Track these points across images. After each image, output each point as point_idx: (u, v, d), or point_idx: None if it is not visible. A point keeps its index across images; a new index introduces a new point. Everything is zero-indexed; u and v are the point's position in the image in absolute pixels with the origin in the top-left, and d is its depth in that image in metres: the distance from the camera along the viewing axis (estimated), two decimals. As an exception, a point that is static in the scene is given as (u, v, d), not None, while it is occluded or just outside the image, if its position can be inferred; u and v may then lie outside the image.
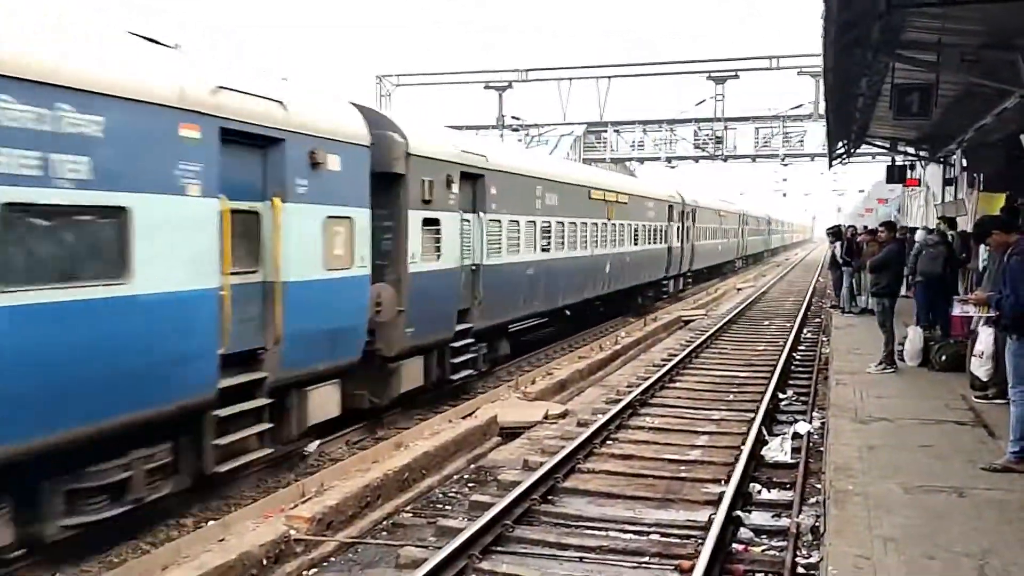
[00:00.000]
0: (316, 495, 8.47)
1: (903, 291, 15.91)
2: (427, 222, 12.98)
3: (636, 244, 26.84)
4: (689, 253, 35.53)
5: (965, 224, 18.38)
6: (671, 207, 32.21)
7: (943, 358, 12.88)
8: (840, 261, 22.10)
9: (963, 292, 13.89)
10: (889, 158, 31.21)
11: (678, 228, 33.18)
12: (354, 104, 11.78)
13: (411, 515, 8.80)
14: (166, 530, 8.51)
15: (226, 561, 6.70)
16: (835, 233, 23.82)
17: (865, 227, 24.22)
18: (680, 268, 34.13)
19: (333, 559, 7.58)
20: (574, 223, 20.45)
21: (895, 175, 30.75)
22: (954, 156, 25.18)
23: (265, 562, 7.04)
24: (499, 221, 15.86)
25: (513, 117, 41.62)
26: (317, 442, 11.23)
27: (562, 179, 20.14)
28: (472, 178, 14.76)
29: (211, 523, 8.48)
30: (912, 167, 31.78)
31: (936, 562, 5.80)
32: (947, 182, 26.68)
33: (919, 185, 33.12)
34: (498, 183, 15.69)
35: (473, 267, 14.83)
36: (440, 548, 7.01)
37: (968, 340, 11.64)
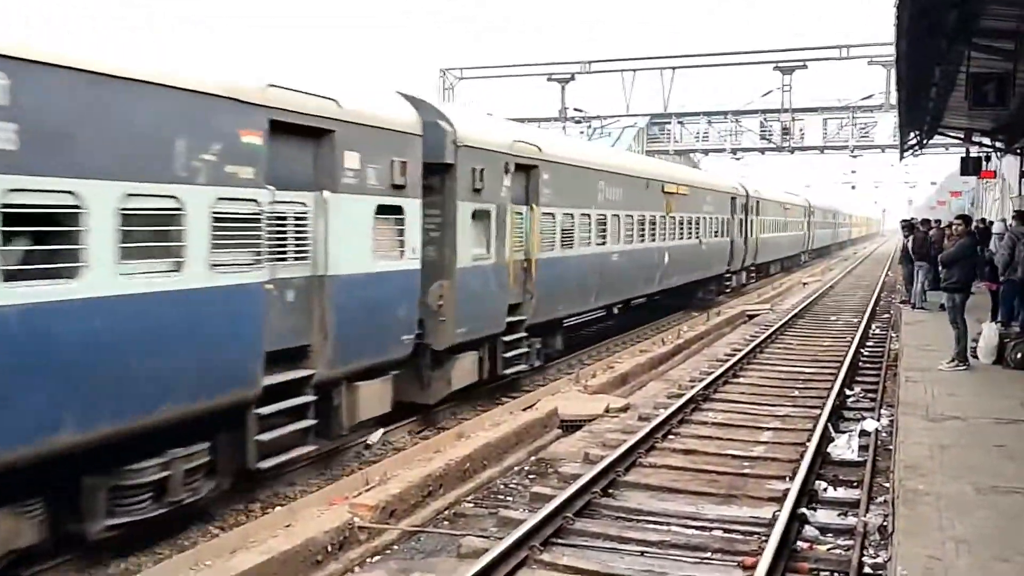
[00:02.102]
0: (379, 484, 8.58)
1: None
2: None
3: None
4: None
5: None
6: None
7: (1019, 355, 12.51)
8: (912, 255, 21.52)
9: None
10: (963, 149, 30.34)
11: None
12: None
13: (472, 505, 8.86)
14: (234, 515, 8.73)
15: (292, 546, 6.83)
16: (908, 226, 23.24)
17: (938, 221, 23.57)
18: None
19: (396, 547, 7.68)
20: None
21: (970, 167, 29.87)
22: (1032, 147, 24.36)
23: (330, 548, 7.16)
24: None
25: (576, 109, 41.48)
26: (381, 431, 11.38)
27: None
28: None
29: (278, 509, 8.67)
30: (987, 158, 30.85)
31: (1009, 565, 5.64)
32: (1024, 174, 25.86)
33: (995, 177, 32.13)
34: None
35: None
36: (501, 539, 7.06)
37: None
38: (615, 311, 22.53)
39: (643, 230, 20.73)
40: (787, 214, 44.77)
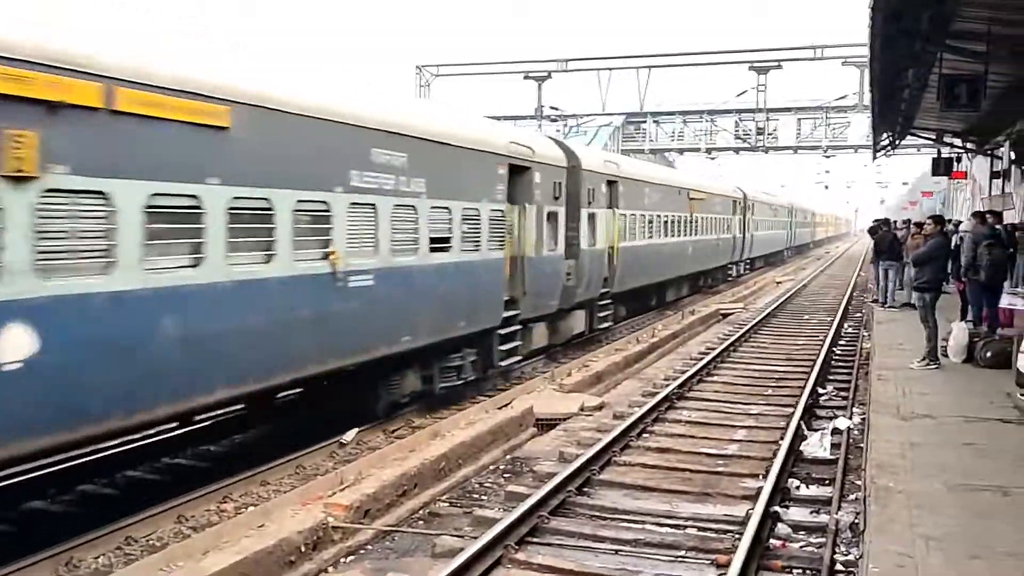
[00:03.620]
0: (354, 483, 8.53)
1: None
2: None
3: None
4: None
5: (1012, 217, 18.00)
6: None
7: (988, 354, 12.66)
8: (879, 255, 21.75)
9: (1010, 285, 13.62)
10: (935, 150, 30.69)
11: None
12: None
13: (447, 504, 8.83)
14: (207, 515, 8.65)
15: (265, 547, 6.76)
16: (874, 229, 23.47)
17: (907, 220, 23.89)
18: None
19: (370, 547, 7.64)
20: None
21: (941, 167, 30.23)
22: (1002, 149, 24.68)
23: (303, 548, 7.09)
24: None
25: (552, 107, 41.54)
26: (355, 430, 11.34)
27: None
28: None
29: (251, 509, 8.60)
30: (958, 159, 31.23)
31: (980, 561, 5.71)
32: (995, 175, 26.19)
33: (965, 178, 32.52)
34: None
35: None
36: (476, 538, 7.04)
37: (1016, 336, 11.42)
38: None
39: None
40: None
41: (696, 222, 29.18)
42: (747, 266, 42.05)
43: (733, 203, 36.54)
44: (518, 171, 14.69)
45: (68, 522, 8.12)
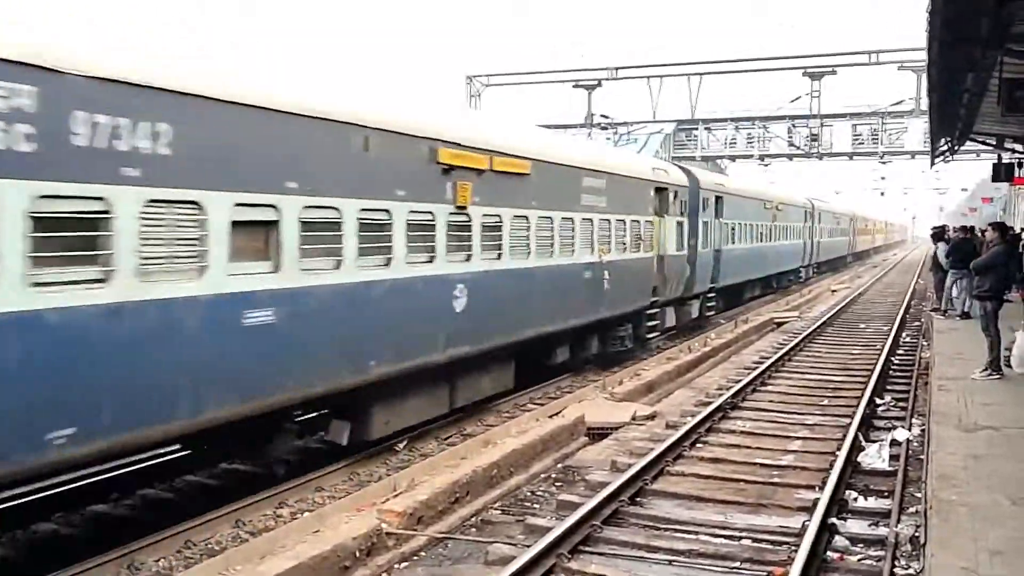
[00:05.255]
0: (407, 490, 8.61)
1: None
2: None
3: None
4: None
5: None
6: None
7: (1053, 365, 12.31)
8: (943, 262, 21.21)
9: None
10: (995, 156, 29.93)
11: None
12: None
13: (499, 512, 8.86)
14: (263, 520, 8.79)
15: (321, 552, 6.86)
16: (938, 234, 22.96)
17: (971, 227, 23.37)
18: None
19: (423, 553, 7.70)
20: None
21: (1001, 173, 29.41)
22: (1066, 153, 23.99)
23: (358, 554, 7.18)
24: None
25: (602, 115, 41.36)
26: (406, 438, 11.44)
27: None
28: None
29: (307, 515, 8.73)
30: (1020, 165, 30.40)
31: (1046, 578, 5.56)
32: (1058, 180, 25.46)
33: (1027, 184, 31.65)
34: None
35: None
36: (529, 546, 7.05)
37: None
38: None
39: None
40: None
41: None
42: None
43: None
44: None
45: (130, 525, 8.32)
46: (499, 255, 12.20)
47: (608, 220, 16.06)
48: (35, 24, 6.46)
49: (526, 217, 12.97)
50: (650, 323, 18.96)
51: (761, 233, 30.77)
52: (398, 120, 10.22)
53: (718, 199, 24.16)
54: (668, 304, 20.21)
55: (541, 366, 15.05)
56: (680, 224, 20.60)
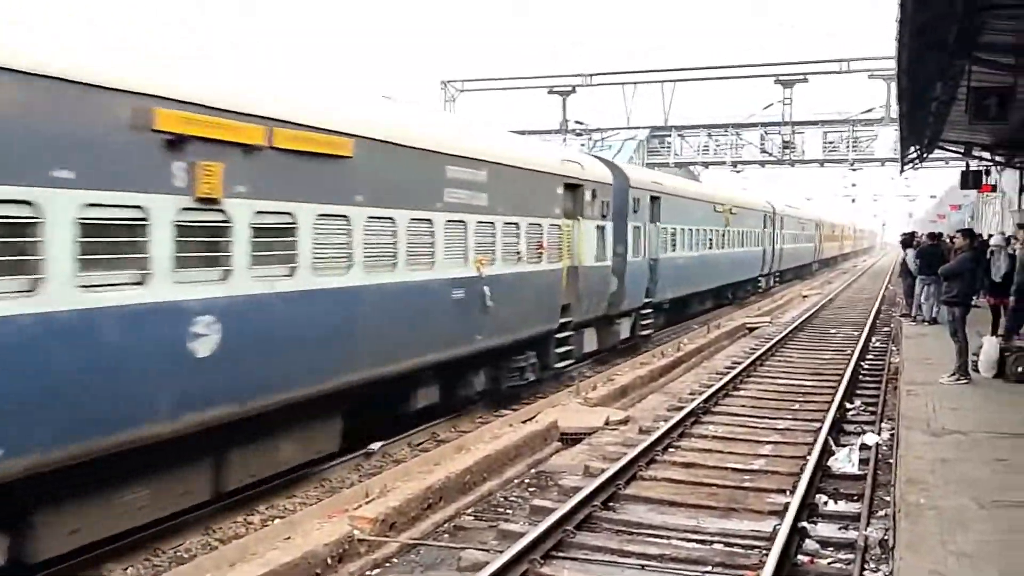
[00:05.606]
0: (379, 496, 8.56)
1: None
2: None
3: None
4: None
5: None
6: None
7: (1020, 369, 12.48)
8: (912, 269, 21.44)
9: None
10: (963, 163, 30.36)
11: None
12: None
13: (472, 518, 8.83)
14: (234, 527, 8.70)
15: (292, 559, 6.80)
16: (907, 240, 23.22)
17: (931, 233, 23.66)
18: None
19: (395, 560, 7.66)
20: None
21: (969, 180, 29.87)
22: (1032, 161, 24.37)
23: (329, 561, 7.13)
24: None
25: (577, 122, 41.51)
26: (380, 443, 11.37)
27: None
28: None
29: (277, 522, 8.65)
30: (987, 172, 30.86)
31: (1013, 580, 5.62)
32: (1024, 188, 25.86)
33: (994, 191, 32.14)
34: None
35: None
36: (501, 552, 7.03)
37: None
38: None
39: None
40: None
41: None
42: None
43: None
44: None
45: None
46: (292, 270, 8.67)
47: (491, 223, 12.75)
48: (35, 24, 6.24)
49: (345, 217, 9.48)
50: (561, 349, 15.71)
51: (710, 239, 27.60)
52: (63, 60, 6.50)
53: (654, 200, 21.20)
54: (587, 325, 17.14)
55: (401, 413, 11.87)
56: (601, 229, 17.27)
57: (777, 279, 42.90)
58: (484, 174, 12.51)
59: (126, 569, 7.59)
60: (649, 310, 21.25)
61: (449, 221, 11.57)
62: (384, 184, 10.21)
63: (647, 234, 20.48)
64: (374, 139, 9.98)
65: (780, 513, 8.10)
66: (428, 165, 11.22)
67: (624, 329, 19.73)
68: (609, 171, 18.24)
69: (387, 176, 10.27)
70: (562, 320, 15.53)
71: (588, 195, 16.41)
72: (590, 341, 17.67)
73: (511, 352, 14.11)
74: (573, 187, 15.85)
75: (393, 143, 10.40)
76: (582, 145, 40.76)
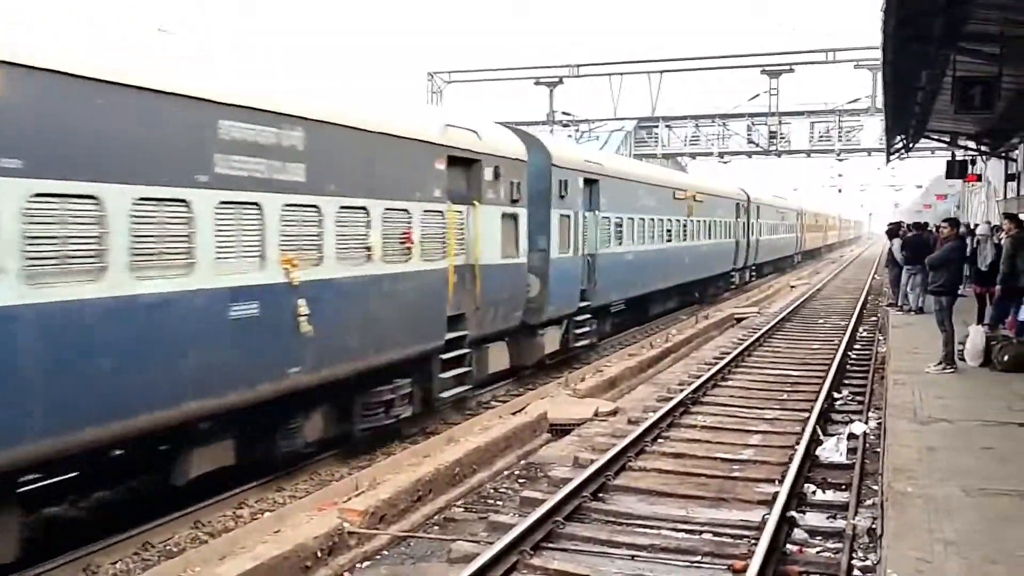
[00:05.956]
0: (369, 489, 8.55)
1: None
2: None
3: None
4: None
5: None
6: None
7: (1006, 358, 12.57)
8: (898, 259, 21.56)
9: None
10: (949, 153, 30.55)
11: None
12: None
13: (462, 510, 8.84)
14: (223, 520, 8.68)
15: (281, 552, 6.79)
16: (893, 230, 23.33)
17: (917, 223, 23.83)
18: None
19: (386, 552, 7.66)
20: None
21: (955, 170, 30.10)
22: (1017, 151, 24.56)
23: (319, 554, 7.12)
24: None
25: (564, 113, 41.49)
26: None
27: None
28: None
29: (267, 515, 8.64)
30: (973, 162, 31.07)
31: (999, 567, 5.66)
32: (1009, 177, 26.04)
33: (980, 180, 32.36)
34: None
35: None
36: (492, 543, 7.04)
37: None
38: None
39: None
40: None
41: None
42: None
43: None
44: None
45: (86, 528, 8.17)
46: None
47: (314, 207, 9.12)
48: (35, 24, 6.11)
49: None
50: (451, 373, 12.20)
51: (669, 231, 24.01)
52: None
53: (590, 183, 17.69)
54: (492, 339, 13.78)
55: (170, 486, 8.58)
56: (512, 218, 13.87)
57: (754, 273, 40.21)
58: (298, 136, 8.76)
59: (115, 563, 7.56)
60: (587, 316, 17.68)
61: (225, 203, 7.89)
62: (74, 142, 6.51)
63: (580, 225, 16.90)
64: (45, 69, 6.24)
65: (769, 503, 8.14)
66: (178, 119, 7.44)
67: (551, 341, 16.14)
68: (522, 144, 14.53)
69: (81, 128, 6.57)
70: (452, 335, 12.09)
71: (488, 174, 12.86)
72: (498, 359, 14.13)
73: (369, 383, 10.55)
74: (466, 163, 12.39)
75: (99, 80, 6.68)
76: (569, 136, 40.77)
